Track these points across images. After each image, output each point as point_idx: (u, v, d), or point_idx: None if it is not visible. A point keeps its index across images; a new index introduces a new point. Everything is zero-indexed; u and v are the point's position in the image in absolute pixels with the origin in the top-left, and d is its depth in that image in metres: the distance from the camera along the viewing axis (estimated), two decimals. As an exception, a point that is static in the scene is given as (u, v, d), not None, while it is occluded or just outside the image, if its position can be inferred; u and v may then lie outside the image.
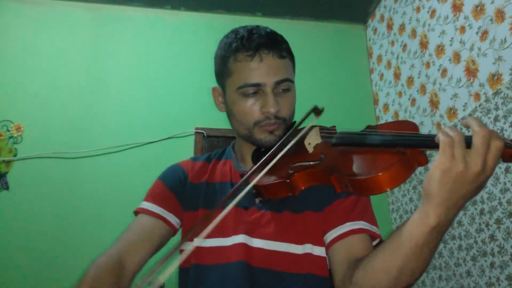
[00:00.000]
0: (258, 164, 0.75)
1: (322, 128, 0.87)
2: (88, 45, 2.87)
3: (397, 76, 2.76)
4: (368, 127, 0.79)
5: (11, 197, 2.41)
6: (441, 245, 2.14)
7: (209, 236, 0.87)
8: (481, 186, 0.58)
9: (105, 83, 2.78)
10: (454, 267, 2.03)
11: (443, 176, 0.56)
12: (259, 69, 0.84)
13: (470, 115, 1.99)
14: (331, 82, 3.02)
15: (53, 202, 2.42)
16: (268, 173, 0.81)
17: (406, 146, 0.64)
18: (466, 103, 2.03)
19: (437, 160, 0.57)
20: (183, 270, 0.92)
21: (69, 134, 2.59)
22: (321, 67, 3.06)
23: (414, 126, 0.71)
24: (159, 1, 2.98)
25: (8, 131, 2.55)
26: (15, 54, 2.75)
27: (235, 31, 0.90)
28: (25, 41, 2.79)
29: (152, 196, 0.94)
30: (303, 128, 0.84)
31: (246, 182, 0.73)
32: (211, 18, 3.07)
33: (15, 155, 2.50)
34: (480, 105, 1.92)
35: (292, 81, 0.89)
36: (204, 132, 2.70)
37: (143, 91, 2.80)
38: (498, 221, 1.76)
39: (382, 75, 2.97)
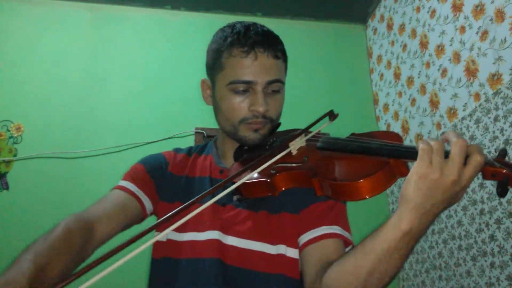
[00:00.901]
0: (251, 164, 0.74)
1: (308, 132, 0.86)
2: (88, 45, 2.87)
3: (397, 76, 2.76)
4: (353, 134, 0.79)
5: (11, 197, 2.41)
6: (441, 245, 2.14)
7: (183, 229, 0.87)
8: (456, 196, 0.60)
9: (105, 83, 2.78)
10: (454, 267, 2.03)
11: (419, 181, 0.58)
12: (253, 67, 0.83)
13: (470, 115, 1.99)
14: (331, 82, 3.02)
15: (53, 202, 2.41)
16: (251, 171, 0.80)
17: (390, 156, 0.64)
18: (466, 103, 2.03)
19: (415, 165, 0.59)
20: (154, 263, 0.91)
21: (69, 134, 2.59)
22: (321, 67, 3.06)
23: (398, 137, 0.71)
24: (159, 1, 2.98)
25: (8, 131, 2.55)
26: (15, 54, 2.75)
27: (231, 26, 0.88)
28: (25, 41, 2.79)
29: (130, 176, 0.93)
30: (310, 131, 0.83)
31: (231, 181, 0.71)
32: (211, 18, 3.07)
33: (15, 155, 2.50)
34: (480, 105, 1.92)
35: (283, 83, 0.89)
36: (204, 132, 2.71)
37: (143, 91, 2.80)
38: (498, 221, 1.76)
39: (382, 75, 2.97)
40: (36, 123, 2.59)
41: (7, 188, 2.42)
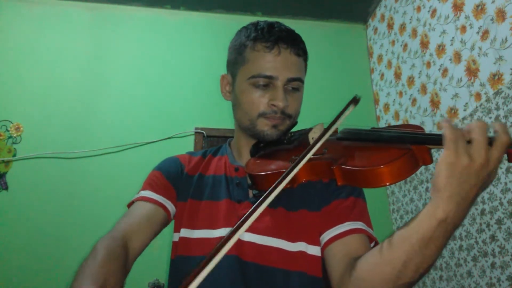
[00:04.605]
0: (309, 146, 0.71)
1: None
2: (88, 44, 2.86)
3: (397, 75, 2.75)
4: (373, 129, 0.78)
5: (10, 197, 2.40)
6: (442, 246, 2.14)
7: (194, 227, 0.87)
8: (488, 179, 0.58)
9: (105, 83, 2.78)
10: (455, 268, 2.02)
11: (449, 169, 0.57)
12: (275, 62, 0.85)
13: (471, 115, 1.98)
14: (331, 82, 3.02)
15: (52, 202, 2.41)
16: (268, 163, 0.79)
17: (414, 143, 0.63)
18: (467, 103, 2.03)
19: (443, 154, 0.57)
20: (171, 263, 0.91)
21: (69, 134, 2.59)
22: (321, 67, 3.05)
23: (419, 128, 0.70)
24: (159, 0, 2.97)
25: (8, 131, 2.54)
26: (15, 53, 2.74)
27: (255, 23, 0.91)
28: (25, 41, 2.79)
29: (150, 185, 0.93)
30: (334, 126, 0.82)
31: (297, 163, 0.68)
32: (210, 18, 3.06)
33: (14, 155, 2.50)
34: (481, 105, 1.92)
35: (302, 82, 0.90)
36: (204, 132, 2.70)
37: (143, 91, 2.79)
38: (499, 222, 1.75)
39: (382, 74, 2.96)
40: (36, 123, 2.58)
41: (6, 188, 2.42)
